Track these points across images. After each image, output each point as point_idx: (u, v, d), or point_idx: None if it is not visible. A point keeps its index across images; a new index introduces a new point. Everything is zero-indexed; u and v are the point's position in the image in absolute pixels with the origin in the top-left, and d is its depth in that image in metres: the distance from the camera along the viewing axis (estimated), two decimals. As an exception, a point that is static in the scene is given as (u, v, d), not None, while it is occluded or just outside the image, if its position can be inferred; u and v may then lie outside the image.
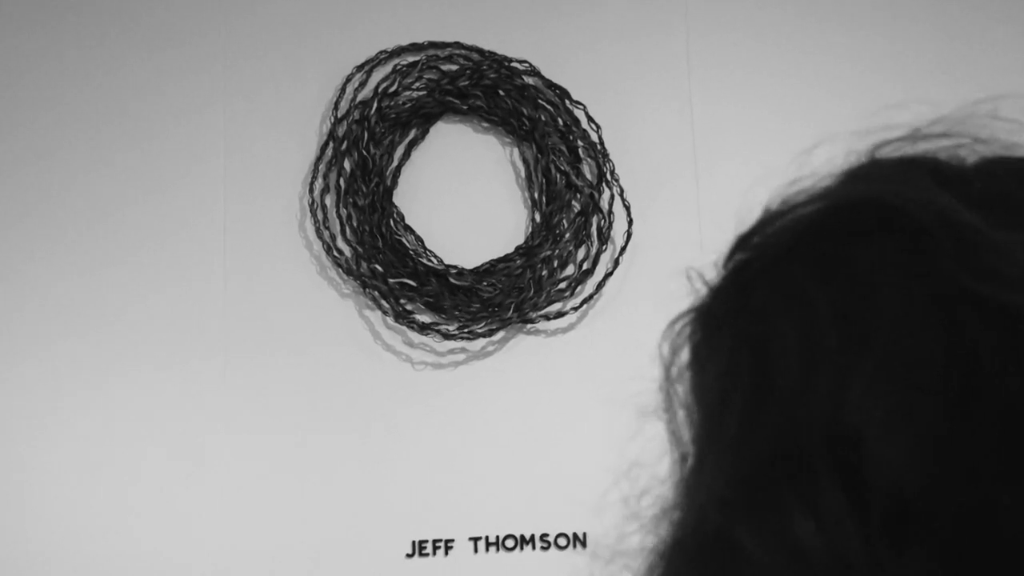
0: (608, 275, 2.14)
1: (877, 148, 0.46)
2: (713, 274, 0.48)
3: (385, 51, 2.17)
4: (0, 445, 1.97)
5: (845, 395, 0.40)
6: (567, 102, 2.18)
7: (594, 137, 2.16)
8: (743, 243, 0.48)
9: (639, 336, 2.24)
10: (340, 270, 2.08)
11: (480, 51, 2.18)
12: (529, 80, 2.16)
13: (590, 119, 2.19)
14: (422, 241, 2.11)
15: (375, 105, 2.13)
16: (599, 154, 2.15)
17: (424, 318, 2.11)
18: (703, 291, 0.49)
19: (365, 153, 2.10)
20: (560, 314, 2.14)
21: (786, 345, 0.42)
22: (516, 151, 2.20)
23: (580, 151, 2.16)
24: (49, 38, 2.10)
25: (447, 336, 2.09)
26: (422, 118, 2.14)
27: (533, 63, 2.17)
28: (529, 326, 2.15)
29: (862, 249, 0.42)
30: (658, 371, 0.52)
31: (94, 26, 2.12)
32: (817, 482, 0.39)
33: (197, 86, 2.16)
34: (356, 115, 2.12)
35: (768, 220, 0.47)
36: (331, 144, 2.13)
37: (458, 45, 2.17)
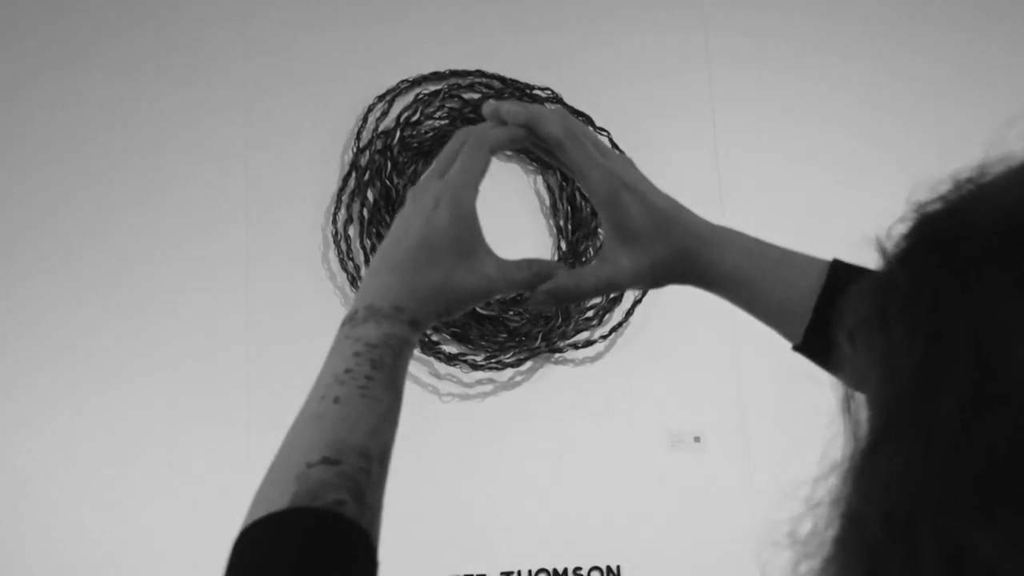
0: (636, 303, 2.14)
1: None
2: (890, 245, 0.46)
3: (407, 80, 2.17)
4: (31, 439, 1.94)
5: None
6: (591, 129, 2.12)
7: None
8: (942, 216, 0.44)
9: (668, 364, 2.25)
10: (365, 302, 2.06)
11: (502, 79, 2.18)
12: (552, 107, 2.09)
13: (614, 145, 2.16)
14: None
15: (397, 135, 2.12)
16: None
17: (451, 349, 2.09)
18: (889, 264, 0.45)
19: (388, 183, 2.10)
20: (588, 343, 2.12)
21: (1017, 337, 0.39)
22: (540, 179, 2.19)
23: (605, 177, 2.16)
24: (72, 71, 2.08)
25: (474, 367, 2.07)
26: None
27: (555, 90, 2.17)
28: (557, 356, 2.12)
29: None
30: (842, 336, 0.47)
31: (121, 58, 2.11)
32: None
33: (219, 118, 2.13)
34: (379, 145, 2.10)
35: (975, 195, 0.44)
36: (354, 174, 2.12)
37: (480, 73, 2.17)
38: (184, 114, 2.13)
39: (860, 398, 0.44)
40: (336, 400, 0.63)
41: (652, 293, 2.11)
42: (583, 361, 2.14)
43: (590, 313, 2.14)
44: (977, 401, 0.39)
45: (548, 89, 2.18)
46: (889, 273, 0.45)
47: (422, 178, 0.74)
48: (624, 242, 0.73)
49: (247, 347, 2.03)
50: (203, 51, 2.17)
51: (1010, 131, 0.45)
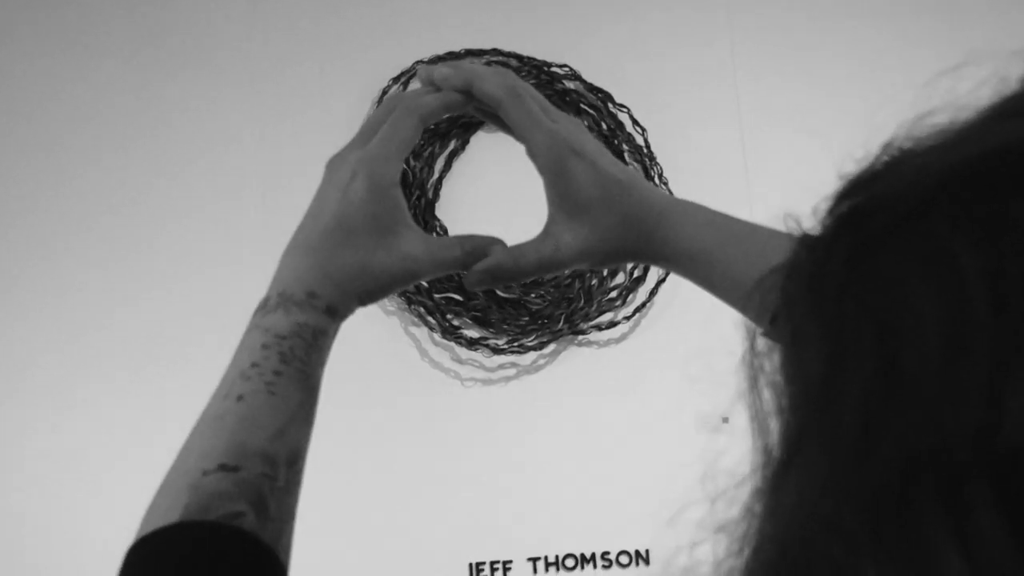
0: (661, 281, 2.09)
1: None
2: (814, 223, 0.40)
3: (421, 61, 2.13)
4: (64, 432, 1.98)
5: (1004, 398, 0.31)
6: (610, 105, 2.14)
7: (640, 140, 2.12)
8: (859, 187, 0.39)
9: (695, 344, 2.19)
10: (384, 287, 2.03)
11: (519, 57, 2.15)
12: (570, 84, 2.13)
13: (635, 122, 2.15)
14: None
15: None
16: (646, 157, 2.11)
17: (472, 333, 2.08)
18: (801, 242, 0.40)
19: (405, 166, 2.07)
20: (612, 324, 2.10)
21: (924, 324, 0.33)
22: None
23: (626, 155, 2.13)
24: (82, 60, 2.09)
25: (496, 351, 2.05)
26: (461, 128, 2.11)
27: (574, 67, 2.14)
28: (580, 338, 2.10)
29: None
30: (742, 339, 0.42)
31: (126, 43, 2.10)
32: (968, 503, 0.31)
33: (229, 101, 2.12)
34: None
35: (895, 163, 0.39)
36: None
37: (495, 52, 2.14)
38: (188, 101, 2.10)
39: (768, 405, 0.40)
40: (240, 398, 0.59)
41: None
42: (607, 343, 2.11)
43: (613, 294, 2.11)
44: (874, 405, 0.34)
45: (566, 66, 2.15)
46: (797, 256, 0.40)
47: (341, 148, 0.71)
48: (570, 214, 0.68)
49: None
50: (206, 33, 2.14)
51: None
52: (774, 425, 0.39)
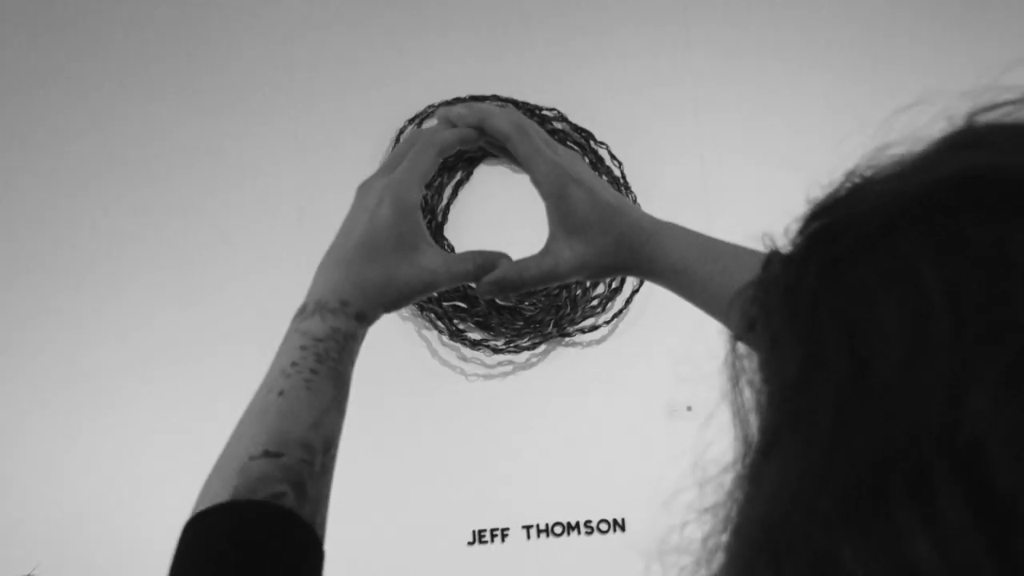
0: (635, 292, 2.10)
1: (979, 112, 0.36)
2: (784, 242, 0.39)
3: (432, 105, 2.13)
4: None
5: (964, 397, 0.30)
6: (592, 143, 2.14)
7: (617, 172, 2.11)
8: (826, 209, 0.38)
9: (664, 344, 2.17)
10: (400, 296, 1.98)
11: (515, 102, 2.14)
12: (558, 125, 2.13)
13: (612, 157, 2.14)
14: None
15: None
16: (622, 187, 2.10)
17: (475, 335, 2.06)
18: (773, 259, 0.39)
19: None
20: (594, 328, 2.09)
21: (890, 330, 0.32)
22: None
23: (605, 185, 2.09)
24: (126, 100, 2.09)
25: (496, 351, 2.05)
26: (467, 162, 2.11)
27: (561, 110, 2.14)
28: (567, 339, 2.09)
29: (983, 228, 0.32)
30: (724, 344, 0.42)
31: (187, 82, 2.09)
32: (934, 492, 0.30)
33: (272, 136, 2.09)
34: None
35: (858, 188, 0.38)
36: None
37: (495, 97, 2.14)
38: (233, 133, 2.09)
39: (748, 402, 0.39)
40: (281, 393, 0.58)
41: (648, 284, 1.82)
42: (590, 344, 2.10)
43: (595, 302, 2.10)
44: (848, 403, 0.33)
45: (555, 109, 2.14)
46: (773, 270, 0.39)
47: (370, 176, 0.69)
48: (569, 234, 0.67)
49: None
50: (232, 79, 2.13)
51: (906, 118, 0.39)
52: (753, 420, 0.38)
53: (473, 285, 0.68)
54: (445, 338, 2.05)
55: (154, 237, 2.02)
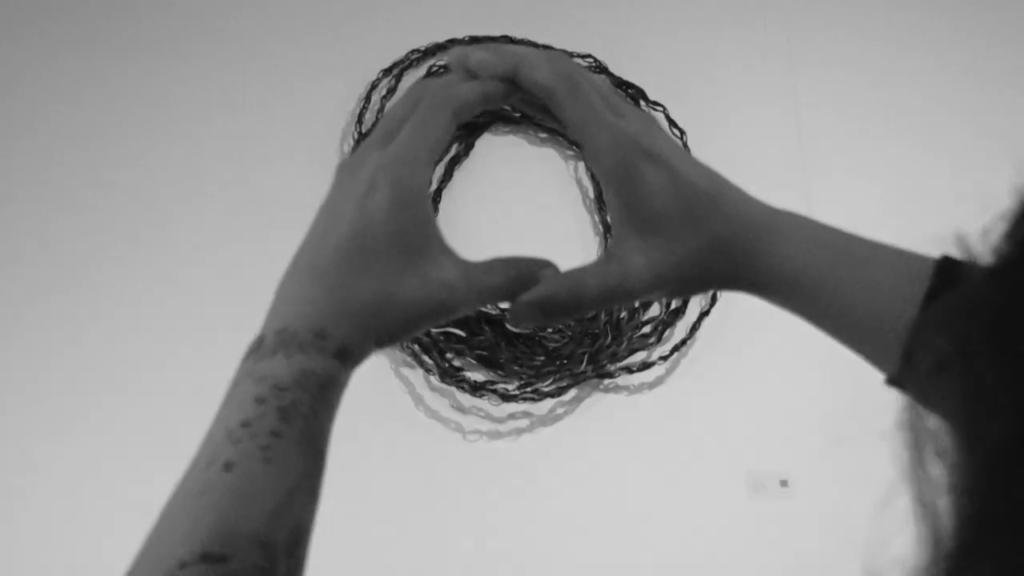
0: (704, 314, 1.92)
1: None
2: (983, 247, 0.37)
3: (418, 50, 1.94)
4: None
5: None
6: (643, 103, 1.95)
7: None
8: None
9: (745, 389, 2.13)
10: (370, 320, 1.89)
11: (534, 46, 1.86)
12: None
13: (672, 123, 1.95)
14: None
15: None
16: None
17: (477, 376, 1.92)
18: (975, 279, 0.37)
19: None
20: (646, 365, 1.91)
21: None
22: (582, 166, 1.98)
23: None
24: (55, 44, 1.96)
25: (506, 398, 1.89)
26: (465, 130, 1.96)
27: (599, 58, 1.96)
28: (607, 382, 1.93)
29: None
30: (898, 396, 0.42)
31: (105, 32, 1.99)
32: None
33: (199, 110, 1.96)
34: None
35: None
36: None
37: (506, 39, 1.94)
38: (151, 97, 1.96)
39: (937, 476, 0.37)
40: (227, 467, 0.54)
41: (722, 303, 1.87)
42: (639, 388, 1.93)
43: (647, 328, 1.92)
44: None
45: (591, 57, 1.94)
46: (976, 291, 0.37)
47: (357, 150, 0.64)
48: (641, 233, 0.63)
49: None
50: (150, 20, 1.99)
51: None
52: (946, 509, 0.36)
53: (505, 307, 0.64)
54: (434, 379, 1.88)
55: (51, 223, 1.90)
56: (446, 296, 0.62)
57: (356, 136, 1.90)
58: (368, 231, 0.61)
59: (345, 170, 0.64)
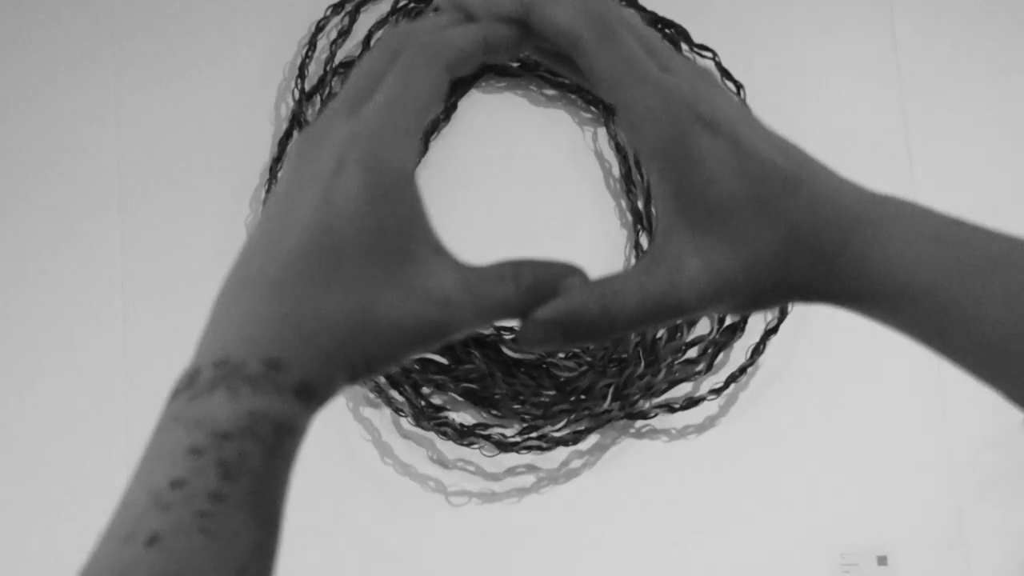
0: (770, 332, 1.72)
1: None
2: None
3: None
4: None
5: None
6: (687, 48, 1.77)
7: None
8: None
9: (827, 434, 1.98)
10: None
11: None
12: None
13: (725, 74, 1.75)
14: (455, 289, 1.72)
15: None
16: None
17: (464, 417, 1.75)
18: None
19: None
20: (692, 402, 1.72)
21: None
22: (603, 133, 1.80)
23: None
24: None
25: (503, 446, 1.72)
26: (448, 87, 1.83)
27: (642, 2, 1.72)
28: (640, 424, 1.74)
29: None
30: None
31: None
32: None
33: (77, 55, 1.83)
34: (335, 84, 1.79)
35: None
36: (295, 135, 1.73)
37: None
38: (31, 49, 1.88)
39: None
40: (152, 541, 0.55)
41: (793, 319, 1.70)
42: (685, 432, 1.72)
43: (692, 352, 1.72)
44: None
45: (651, 13, 1.75)
46: None
47: (317, 119, 0.65)
48: (696, 226, 0.64)
49: (126, 395, 1.82)
50: None
51: None
52: None
53: (516, 328, 0.63)
54: (408, 422, 1.70)
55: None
56: (440, 313, 0.63)
57: (297, 96, 1.77)
58: (335, 228, 0.61)
59: (304, 145, 0.64)
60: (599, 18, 0.65)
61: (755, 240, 0.64)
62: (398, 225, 0.62)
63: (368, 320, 0.62)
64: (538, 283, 0.64)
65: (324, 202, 0.61)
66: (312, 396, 0.60)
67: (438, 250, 0.63)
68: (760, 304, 0.66)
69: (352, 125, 0.62)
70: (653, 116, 0.64)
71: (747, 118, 0.64)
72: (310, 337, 0.61)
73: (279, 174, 1.86)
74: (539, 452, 1.86)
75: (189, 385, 0.59)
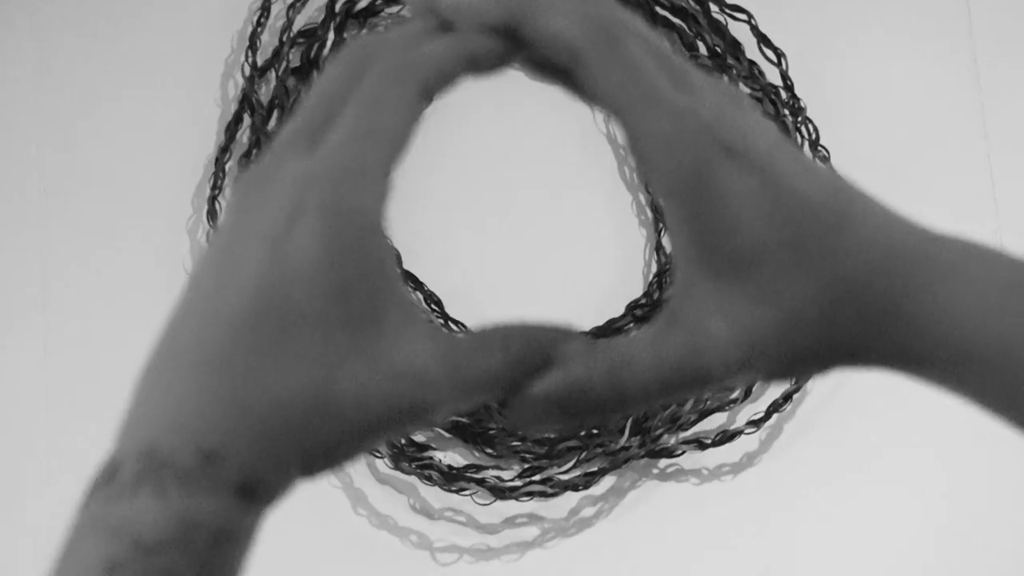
0: None
1: None
2: None
3: None
4: None
5: None
6: (715, 9, 1.61)
7: (774, 75, 1.63)
8: None
9: (884, 472, 1.84)
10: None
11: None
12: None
13: (764, 41, 1.56)
14: (439, 302, 1.57)
15: (331, 37, 1.60)
16: (783, 105, 1.61)
17: (451, 457, 1.61)
18: None
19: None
20: (727, 436, 1.58)
21: None
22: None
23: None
24: None
25: (500, 493, 1.57)
26: None
27: None
28: (665, 463, 1.59)
29: None
30: None
31: None
32: None
33: None
34: (294, 58, 1.62)
35: None
36: (246, 118, 1.59)
37: None
38: None
39: None
40: None
41: None
42: (719, 472, 1.56)
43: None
44: None
45: None
46: None
47: (269, 151, 0.56)
48: (720, 277, 0.55)
49: (47, 415, 1.65)
50: None
51: None
52: None
53: (506, 405, 0.59)
54: (385, 464, 1.55)
55: None
56: (413, 390, 0.57)
57: (247, 71, 1.56)
58: (287, 290, 0.56)
59: (248, 189, 0.59)
60: (603, 28, 0.59)
61: (792, 295, 0.57)
62: (363, 286, 0.57)
63: (326, 400, 0.55)
64: (530, 351, 0.60)
65: (273, 259, 0.55)
66: (257, 495, 0.54)
67: (410, 314, 0.58)
68: (796, 371, 0.60)
69: (308, 164, 0.56)
70: (667, 144, 0.58)
71: (781, 145, 0.60)
72: (255, 423, 0.54)
73: (219, 221, 1.69)
74: (543, 499, 1.68)
75: (108, 480, 0.54)
